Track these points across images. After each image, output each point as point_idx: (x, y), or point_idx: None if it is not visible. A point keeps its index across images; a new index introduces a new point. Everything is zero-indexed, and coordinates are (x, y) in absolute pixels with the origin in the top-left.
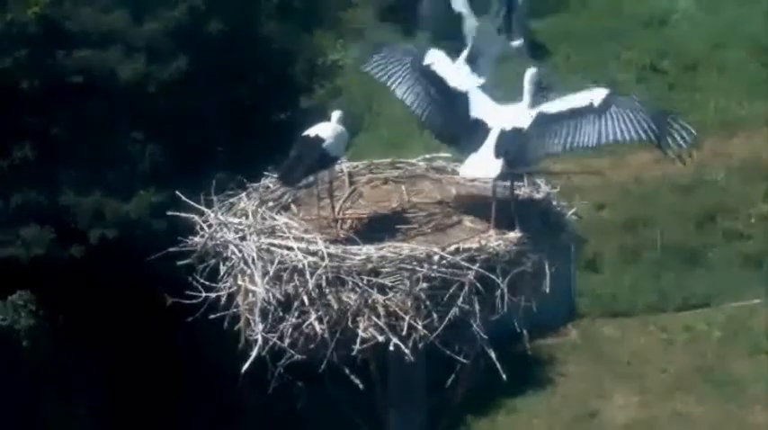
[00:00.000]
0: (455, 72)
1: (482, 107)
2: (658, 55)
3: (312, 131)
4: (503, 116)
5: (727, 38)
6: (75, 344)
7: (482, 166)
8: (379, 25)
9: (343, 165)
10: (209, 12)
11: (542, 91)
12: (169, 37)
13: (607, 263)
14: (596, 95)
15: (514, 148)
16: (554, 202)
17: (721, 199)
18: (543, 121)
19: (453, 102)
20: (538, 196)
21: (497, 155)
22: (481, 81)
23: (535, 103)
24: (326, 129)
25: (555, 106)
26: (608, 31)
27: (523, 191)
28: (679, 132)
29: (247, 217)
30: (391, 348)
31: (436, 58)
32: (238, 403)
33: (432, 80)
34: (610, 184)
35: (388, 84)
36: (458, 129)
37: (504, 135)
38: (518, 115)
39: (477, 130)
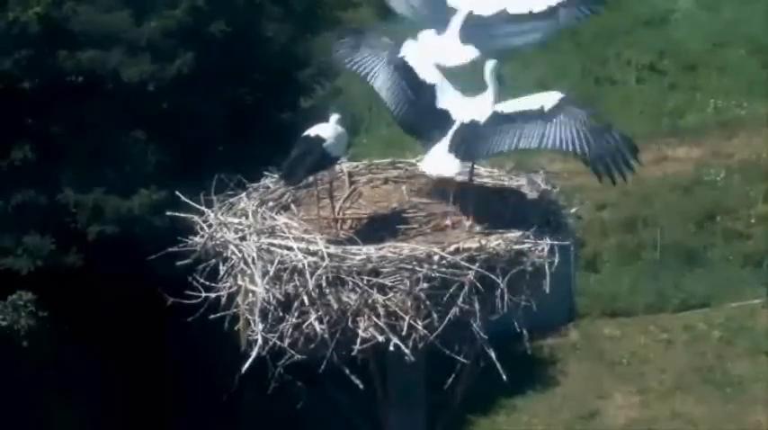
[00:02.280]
0: (425, 64)
1: (448, 98)
2: (658, 54)
3: (312, 131)
4: (466, 108)
5: (727, 38)
6: (76, 345)
7: (440, 163)
8: (380, 25)
9: (343, 165)
10: (210, 12)
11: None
12: (170, 37)
13: (607, 263)
14: (549, 100)
15: (467, 142)
16: (554, 202)
17: (721, 199)
18: (497, 120)
19: (422, 94)
20: (537, 196)
21: (450, 149)
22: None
23: (498, 93)
24: (327, 130)
25: (509, 106)
26: (608, 30)
27: (523, 190)
28: (616, 158)
29: (247, 217)
30: (391, 348)
31: (410, 50)
32: (238, 403)
33: (404, 73)
34: (610, 184)
35: (367, 78)
36: (425, 121)
37: (461, 128)
38: (479, 109)
39: (442, 122)
